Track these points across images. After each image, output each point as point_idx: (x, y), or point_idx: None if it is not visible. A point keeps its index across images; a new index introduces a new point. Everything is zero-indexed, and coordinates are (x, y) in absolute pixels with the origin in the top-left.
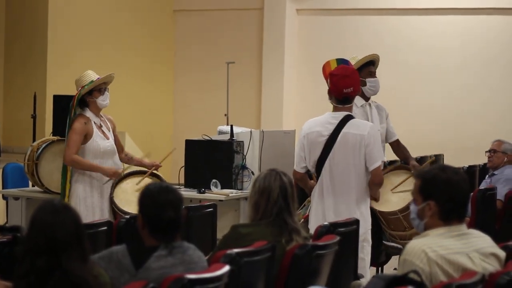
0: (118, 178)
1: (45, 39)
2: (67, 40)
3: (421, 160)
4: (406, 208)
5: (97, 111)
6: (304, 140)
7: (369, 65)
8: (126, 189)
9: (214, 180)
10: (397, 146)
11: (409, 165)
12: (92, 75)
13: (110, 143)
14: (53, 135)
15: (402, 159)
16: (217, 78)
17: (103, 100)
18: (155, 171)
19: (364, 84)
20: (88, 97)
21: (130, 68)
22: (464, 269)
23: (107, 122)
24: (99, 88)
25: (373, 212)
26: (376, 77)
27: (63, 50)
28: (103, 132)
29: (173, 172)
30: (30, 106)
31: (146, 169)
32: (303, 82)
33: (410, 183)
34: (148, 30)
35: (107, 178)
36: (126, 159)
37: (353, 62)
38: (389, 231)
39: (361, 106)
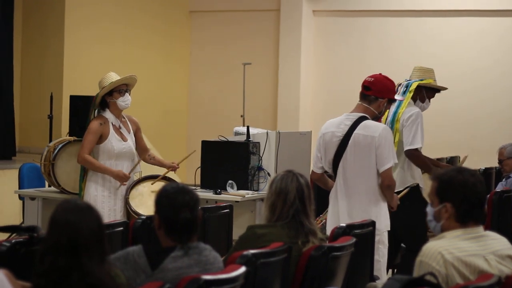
0: (126, 182)
1: (62, 40)
2: (84, 40)
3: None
4: None
5: (117, 112)
6: (320, 140)
7: (436, 92)
8: (142, 192)
9: (230, 181)
10: None
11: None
12: (113, 76)
13: (127, 145)
14: (69, 135)
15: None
16: (234, 79)
17: (123, 101)
18: (172, 172)
19: (424, 100)
20: (108, 98)
21: (146, 69)
22: (480, 271)
23: (129, 123)
24: (119, 89)
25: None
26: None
27: (80, 51)
28: (120, 134)
29: (189, 173)
30: (47, 106)
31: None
32: (319, 83)
33: None
34: (164, 31)
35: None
36: (149, 159)
37: (424, 74)
38: None
39: None
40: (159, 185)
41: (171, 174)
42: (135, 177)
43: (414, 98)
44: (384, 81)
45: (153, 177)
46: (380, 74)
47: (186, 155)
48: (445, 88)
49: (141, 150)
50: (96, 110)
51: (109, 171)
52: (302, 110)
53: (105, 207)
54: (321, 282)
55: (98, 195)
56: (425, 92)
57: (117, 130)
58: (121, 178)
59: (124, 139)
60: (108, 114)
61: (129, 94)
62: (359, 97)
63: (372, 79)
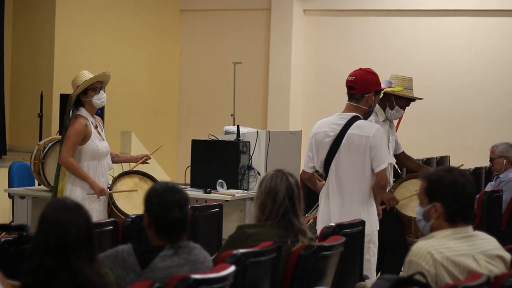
0: (103, 195)
1: (52, 38)
2: (74, 39)
3: (427, 162)
4: None
5: (92, 111)
6: (312, 140)
7: (410, 101)
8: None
9: (220, 180)
10: (404, 157)
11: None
12: (87, 75)
13: (105, 144)
14: (59, 134)
15: (416, 170)
16: (224, 78)
17: (98, 99)
18: (146, 163)
19: (393, 107)
20: (83, 96)
21: (137, 68)
22: (470, 271)
23: (100, 122)
24: (93, 87)
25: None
26: (404, 111)
27: (70, 50)
28: (99, 133)
29: (179, 172)
30: (37, 105)
31: (136, 170)
32: (309, 82)
33: None
34: (154, 30)
35: (92, 191)
36: (112, 157)
37: (396, 81)
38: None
39: (383, 121)
40: (134, 180)
41: (146, 168)
42: (110, 177)
43: (383, 106)
44: (366, 76)
45: (126, 174)
46: (360, 69)
47: (175, 154)
48: (419, 98)
49: None
50: (72, 110)
51: (91, 182)
52: (292, 109)
53: (93, 210)
54: (311, 282)
55: (86, 198)
56: (394, 100)
57: (95, 129)
58: (101, 191)
59: (102, 137)
60: (84, 113)
61: (104, 92)
62: (347, 97)
63: (353, 77)
